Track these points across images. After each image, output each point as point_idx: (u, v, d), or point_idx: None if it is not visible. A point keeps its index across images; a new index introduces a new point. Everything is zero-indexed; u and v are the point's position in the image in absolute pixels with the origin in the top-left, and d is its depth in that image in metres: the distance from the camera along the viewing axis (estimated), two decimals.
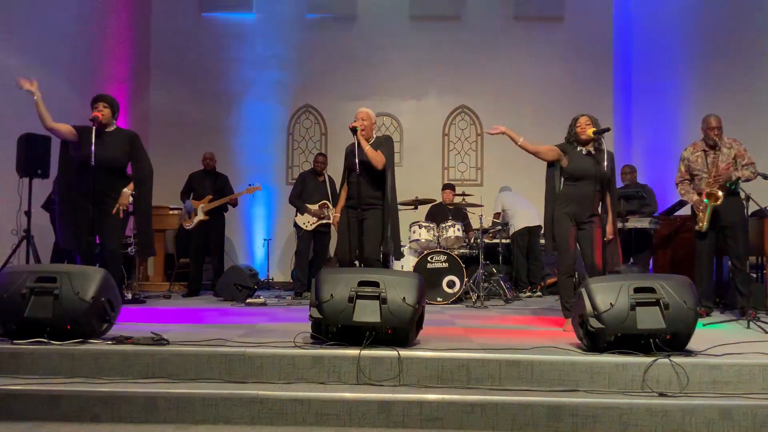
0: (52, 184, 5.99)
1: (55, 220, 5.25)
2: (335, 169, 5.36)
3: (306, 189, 7.03)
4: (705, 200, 5.06)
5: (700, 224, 5.12)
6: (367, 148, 4.62)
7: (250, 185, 7.15)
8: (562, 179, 4.42)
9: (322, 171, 7.14)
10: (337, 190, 5.17)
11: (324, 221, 6.96)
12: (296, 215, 7.01)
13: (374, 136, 4.84)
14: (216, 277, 6.87)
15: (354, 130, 4.61)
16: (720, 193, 4.99)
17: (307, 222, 6.91)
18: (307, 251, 7.02)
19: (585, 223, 4.30)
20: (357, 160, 4.55)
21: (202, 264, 7.06)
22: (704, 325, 4.44)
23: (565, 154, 4.37)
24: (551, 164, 4.48)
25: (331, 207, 6.98)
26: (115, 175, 4.78)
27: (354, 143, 4.85)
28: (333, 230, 7.33)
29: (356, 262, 4.72)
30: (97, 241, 4.77)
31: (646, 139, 8.77)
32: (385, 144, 4.75)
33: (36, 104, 4.40)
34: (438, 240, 6.46)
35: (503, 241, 7.39)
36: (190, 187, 7.14)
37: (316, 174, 7.13)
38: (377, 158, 4.64)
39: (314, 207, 6.93)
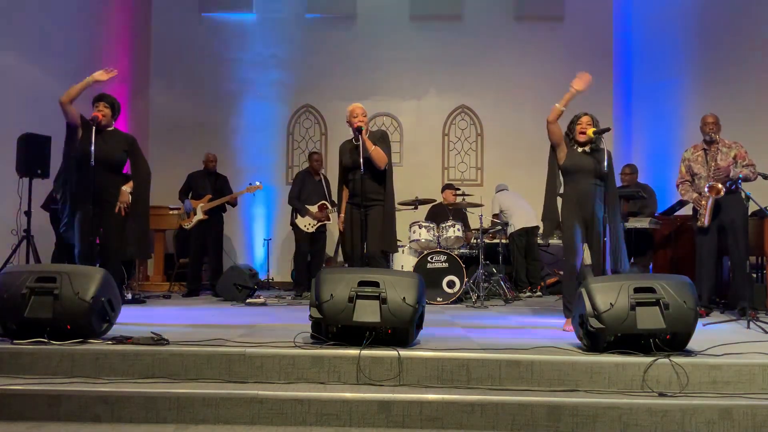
0: (52, 184, 6.00)
1: (58, 217, 5.25)
2: (334, 169, 5.36)
3: (304, 190, 7.03)
4: (707, 193, 5.08)
5: (702, 220, 5.13)
6: (372, 148, 4.61)
7: (250, 184, 7.15)
8: (562, 178, 4.43)
9: (319, 170, 7.14)
10: (335, 190, 5.17)
11: (324, 222, 6.97)
12: (295, 217, 7.00)
13: (368, 131, 4.83)
14: (214, 277, 6.88)
15: (359, 130, 4.60)
16: (720, 186, 5.01)
17: (308, 224, 6.91)
18: (306, 252, 7.02)
19: (592, 221, 4.29)
20: (361, 158, 4.55)
21: (201, 264, 7.06)
22: (704, 325, 4.45)
23: (564, 147, 4.37)
24: (553, 148, 4.46)
25: (329, 207, 6.98)
26: (113, 174, 4.80)
27: (351, 140, 4.86)
28: (330, 230, 7.35)
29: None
30: (98, 241, 4.77)
31: (646, 139, 8.77)
32: (382, 140, 4.75)
33: (84, 81, 4.50)
34: (438, 240, 6.46)
35: (502, 241, 7.39)
36: (188, 187, 7.14)
37: (313, 174, 7.13)
38: (381, 158, 4.64)
39: (314, 209, 6.93)
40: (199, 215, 6.93)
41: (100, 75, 4.52)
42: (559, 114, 4.32)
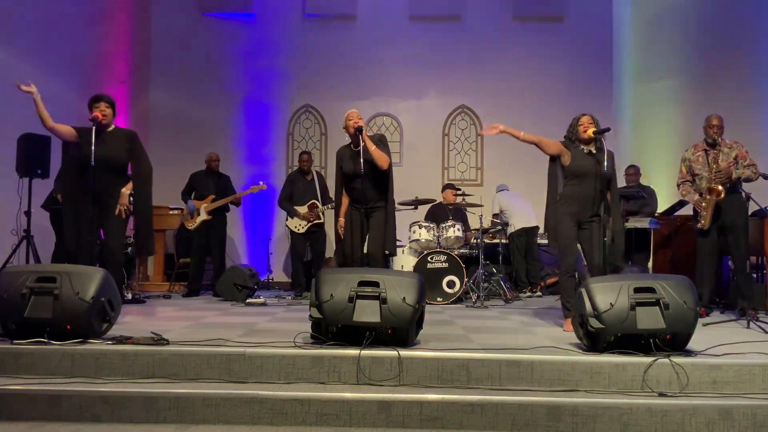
0: (52, 184, 6.00)
1: (60, 219, 5.25)
2: (333, 170, 5.36)
3: (296, 190, 7.02)
4: (707, 195, 5.07)
5: (703, 222, 5.12)
6: (373, 147, 4.60)
7: (254, 184, 7.15)
8: (564, 179, 4.42)
9: (309, 169, 7.14)
10: (332, 195, 5.16)
11: (315, 221, 6.95)
12: (287, 219, 7.01)
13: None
14: (216, 277, 6.86)
15: (360, 130, 4.59)
16: (721, 188, 5.00)
17: (299, 225, 6.91)
18: (303, 252, 7.02)
19: (587, 222, 4.29)
20: (362, 159, 4.53)
21: (204, 264, 7.06)
22: (704, 325, 4.45)
23: (567, 150, 4.37)
24: (553, 159, 4.46)
25: (319, 206, 6.96)
26: (115, 175, 4.77)
27: (349, 146, 4.85)
28: (327, 229, 7.33)
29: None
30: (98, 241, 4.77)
31: (646, 139, 8.77)
32: (381, 143, 4.74)
33: (36, 105, 4.41)
34: (438, 240, 6.46)
35: (502, 241, 7.39)
36: (191, 187, 7.14)
37: (304, 173, 7.12)
38: (382, 157, 4.62)
39: (304, 210, 6.92)
40: (203, 215, 6.93)
41: (26, 89, 4.39)
42: (528, 136, 4.37)
